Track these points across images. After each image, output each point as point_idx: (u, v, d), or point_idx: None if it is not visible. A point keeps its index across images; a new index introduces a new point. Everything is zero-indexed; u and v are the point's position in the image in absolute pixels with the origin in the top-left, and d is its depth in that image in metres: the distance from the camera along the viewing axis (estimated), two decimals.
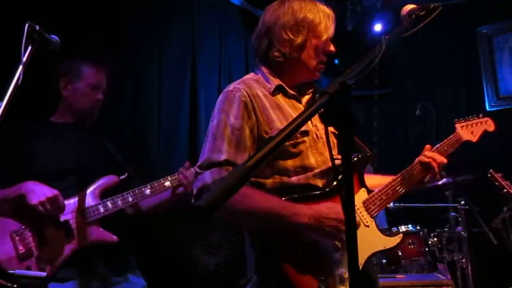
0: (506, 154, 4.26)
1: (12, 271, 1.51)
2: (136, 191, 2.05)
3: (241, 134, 1.49)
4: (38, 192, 1.83)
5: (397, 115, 5.02)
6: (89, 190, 2.00)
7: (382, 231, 1.61)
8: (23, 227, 1.87)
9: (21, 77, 1.54)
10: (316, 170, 1.53)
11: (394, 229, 3.42)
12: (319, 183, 1.53)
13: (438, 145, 1.81)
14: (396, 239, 1.60)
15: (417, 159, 1.73)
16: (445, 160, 1.73)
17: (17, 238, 1.84)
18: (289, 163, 1.51)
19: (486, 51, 4.67)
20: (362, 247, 1.47)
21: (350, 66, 1.01)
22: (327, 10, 1.65)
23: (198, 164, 1.48)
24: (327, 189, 1.52)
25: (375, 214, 1.59)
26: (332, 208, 1.45)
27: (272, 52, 1.62)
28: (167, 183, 2.11)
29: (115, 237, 1.97)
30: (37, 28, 1.63)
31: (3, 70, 1.69)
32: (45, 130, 2.12)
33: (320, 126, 1.61)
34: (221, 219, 1.51)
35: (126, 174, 2.11)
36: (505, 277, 3.63)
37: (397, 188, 1.66)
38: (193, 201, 1.47)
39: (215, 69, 4.50)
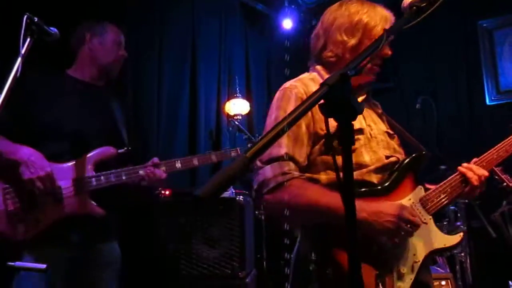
0: None
1: (12, 263, 1.52)
2: (131, 171, 2.05)
3: (299, 130, 1.51)
4: (31, 168, 1.83)
5: (397, 108, 5.01)
6: (85, 158, 1.98)
7: (442, 229, 1.59)
8: (15, 186, 1.87)
9: (19, 70, 1.54)
10: (371, 167, 1.53)
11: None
12: (374, 179, 1.53)
13: (493, 148, 1.74)
14: (457, 238, 1.58)
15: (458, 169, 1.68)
16: (486, 174, 1.67)
17: (7, 195, 1.86)
18: None
19: (487, 45, 4.65)
20: (421, 244, 1.50)
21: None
22: (386, 13, 1.66)
23: (258, 158, 1.48)
24: (385, 185, 1.53)
25: (432, 212, 1.58)
26: (392, 205, 1.45)
27: (326, 52, 1.65)
28: (163, 168, 2.12)
29: (102, 210, 1.97)
30: (36, 20, 1.63)
31: (2, 62, 1.68)
32: (60, 84, 2.12)
33: (374, 126, 1.64)
34: (278, 214, 1.48)
35: (125, 148, 2.11)
36: (504, 271, 3.65)
37: (455, 187, 1.63)
38: (253, 194, 1.48)
39: (214, 63, 4.49)
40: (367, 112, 1.68)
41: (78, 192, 1.94)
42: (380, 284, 1.39)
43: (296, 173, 1.47)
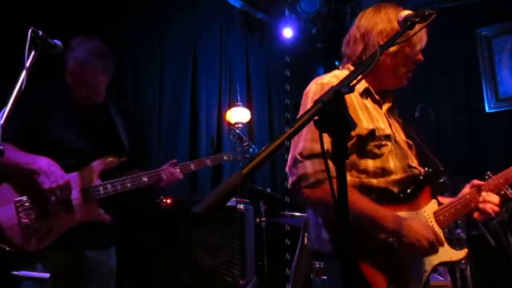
0: (504, 155, 4.28)
1: (16, 272, 1.54)
2: (135, 178, 2.11)
3: None
4: (51, 177, 1.87)
5: None
6: (90, 168, 2.04)
7: (450, 243, 1.63)
8: (27, 198, 1.92)
9: (24, 83, 1.57)
10: (395, 177, 1.58)
11: None
12: (396, 189, 1.59)
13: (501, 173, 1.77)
14: (462, 253, 1.63)
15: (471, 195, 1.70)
16: (495, 201, 1.68)
17: (20, 208, 1.90)
18: (370, 163, 1.56)
19: (486, 53, 4.69)
20: (431, 256, 1.54)
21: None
22: None
23: (298, 152, 1.50)
24: (406, 194, 1.60)
25: (444, 226, 1.63)
26: (420, 223, 1.51)
27: (366, 56, 1.65)
28: (178, 169, 2.22)
29: (108, 217, 2.04)
30: (40, 34, 1.66)
31: (6, 75, 1.72)
32: (62, 97, 2.10)
33: (397, 134, 1.67)
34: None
35: (127, 157, 2.15)
36: (503, 279, 3.65)
37: (466, 204, 1.68)
38: (289, 187, 1.51)
39: (215, 71, 4.52)
40: (392, 120, 1.73)
41: (86, 201, 2.00)
42: None
43: (335, 173, 1.51)
